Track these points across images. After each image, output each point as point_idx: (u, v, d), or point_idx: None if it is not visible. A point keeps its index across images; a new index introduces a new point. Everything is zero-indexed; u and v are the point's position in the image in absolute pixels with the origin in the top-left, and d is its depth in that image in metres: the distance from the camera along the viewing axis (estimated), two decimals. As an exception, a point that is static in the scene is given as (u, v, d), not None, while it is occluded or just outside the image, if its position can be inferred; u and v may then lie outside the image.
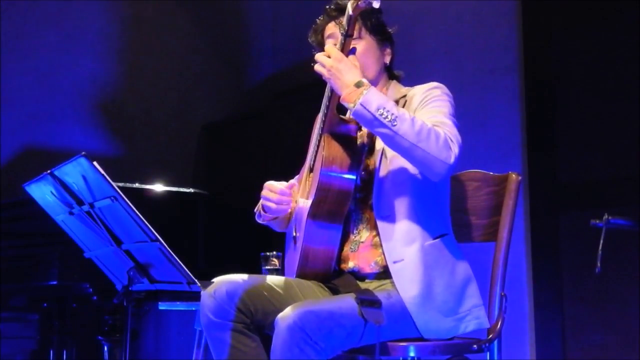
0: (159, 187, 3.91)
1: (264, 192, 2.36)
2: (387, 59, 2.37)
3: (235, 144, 5.26)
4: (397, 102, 2.23)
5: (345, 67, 2.11)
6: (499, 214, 2.32)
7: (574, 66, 3.66)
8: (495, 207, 2.35)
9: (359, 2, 2.07)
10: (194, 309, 3.15)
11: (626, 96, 3.45)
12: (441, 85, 2.28)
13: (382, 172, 2.19)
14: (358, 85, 2.08)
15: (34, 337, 4.42)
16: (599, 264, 2.13)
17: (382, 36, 2.35)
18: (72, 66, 4.91)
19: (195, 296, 2.26)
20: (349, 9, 2.10)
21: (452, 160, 2.06)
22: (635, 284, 3.30)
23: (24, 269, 3.77)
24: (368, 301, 2.00)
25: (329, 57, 2.14)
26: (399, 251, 2.12)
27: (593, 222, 2.22)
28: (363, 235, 2.24)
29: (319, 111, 2.37)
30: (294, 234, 2.36)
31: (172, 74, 5.38)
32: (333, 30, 2.34)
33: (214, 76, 5.53)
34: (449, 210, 2.28)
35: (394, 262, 2.12)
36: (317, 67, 2.16)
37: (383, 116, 2.02)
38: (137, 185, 3.75)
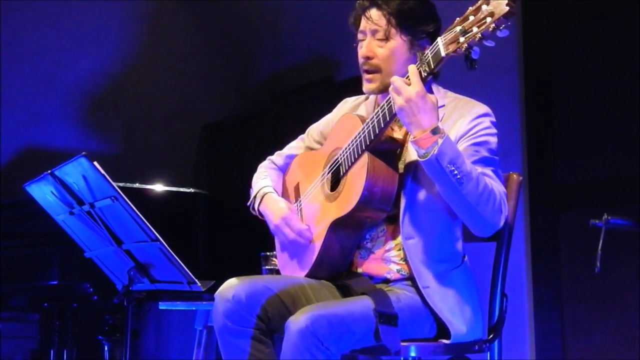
0: (159, 187, 3.91)
1: (284, 228, 2.27)
2: None
3: (235, 144, 5.26)
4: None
5: (425, 106, 1.94)
6: (499, 214, 2.32)
7: (574, 66, 3.66)
8: (495, 207, 2.35)
9: (457, 49, 1.89)
10: (194, 308, 3.15)
11: (626, 96, 3.45)
12: (488, 111, 2.19)
13: (413, 194, 2.11)
14: (434, 131, 1.93)
15: (35, 337, 4.42)
16: (598, 264, 2.14)
17: (414, 36, 2.16)
18: (72, 66, 4.91)
19: (196, 296, 2.26)
20: (442, 51, 1.91)
21: (501, 224, 2.05)
22: (635, 284, 3.30)
23: (24, 269, 3.78)
24: (386, 315, 1.97)
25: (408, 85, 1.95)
26: (425, 277, 2.08)
27: (593, 222, 2.22)
28: (375, 246, 2.18)
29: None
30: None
31: (172, 74, 5.38)
32: (364, 25, 2.19)
33: (214, 76, 5.53)
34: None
35: (423, 288, 2.08)
36: (392, 91, 1.97)
37: (453, 173, 1.93)
38: (137, 185, 3.75)
